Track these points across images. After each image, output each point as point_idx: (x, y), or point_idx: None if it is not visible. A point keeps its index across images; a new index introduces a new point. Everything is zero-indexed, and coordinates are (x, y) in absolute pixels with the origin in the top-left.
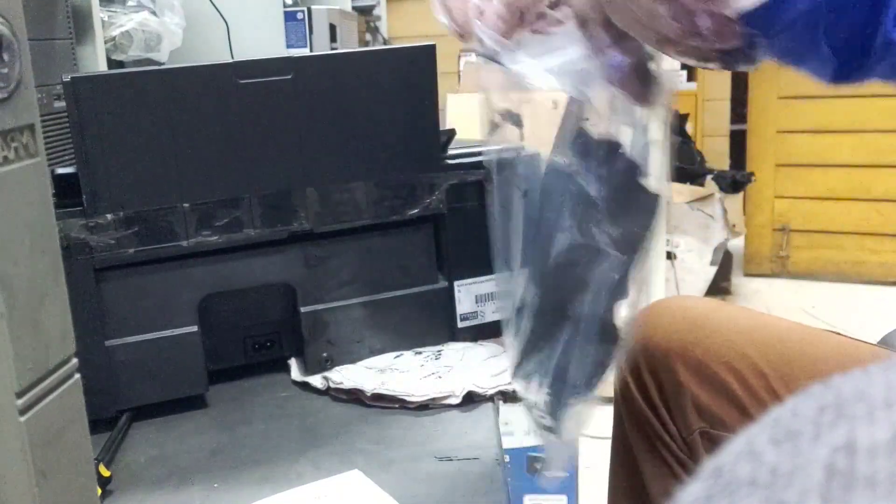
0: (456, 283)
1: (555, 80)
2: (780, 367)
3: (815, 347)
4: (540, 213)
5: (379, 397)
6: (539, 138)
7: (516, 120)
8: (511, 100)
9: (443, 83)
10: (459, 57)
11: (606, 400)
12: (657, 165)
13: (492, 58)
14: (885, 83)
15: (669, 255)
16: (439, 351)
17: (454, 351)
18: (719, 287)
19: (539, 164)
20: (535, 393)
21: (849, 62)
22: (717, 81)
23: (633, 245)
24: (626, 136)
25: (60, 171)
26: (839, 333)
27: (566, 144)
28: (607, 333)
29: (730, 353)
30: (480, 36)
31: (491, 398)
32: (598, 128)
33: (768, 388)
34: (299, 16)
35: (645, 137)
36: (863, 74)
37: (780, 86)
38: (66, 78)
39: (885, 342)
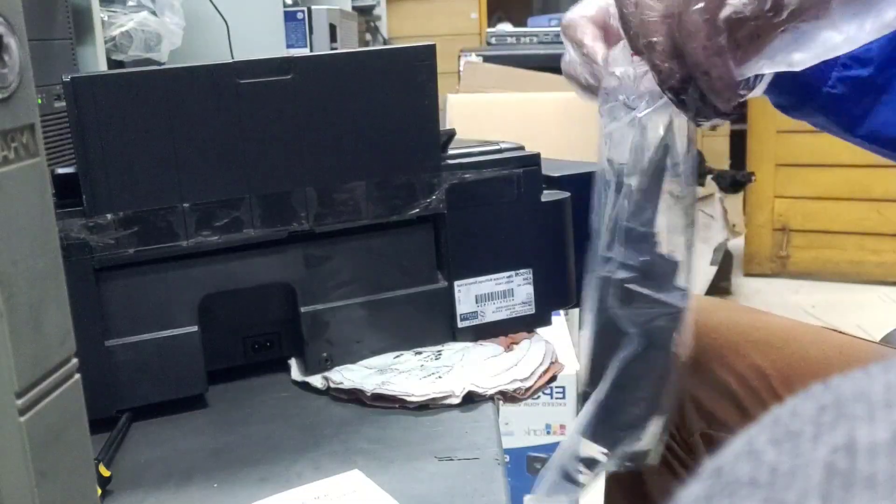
0: (456, 283)
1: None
2: (782, 367)
3: (817, 347)
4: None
5: (379, 397)
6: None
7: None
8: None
9: (443, 83)
10: (459, 57)
11: None
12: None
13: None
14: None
15: None
16: (439, 351)
17: (454, 351)
18: (719, 287)
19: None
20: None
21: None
22: None
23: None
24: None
25: (60, 171)
26: (841, 332)
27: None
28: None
29: (730, 354)
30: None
31: (491, 398)
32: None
33: (770, 390)
34: (299, 16)
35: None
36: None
37: None
38: (66, 78)
39: (886, 341)
